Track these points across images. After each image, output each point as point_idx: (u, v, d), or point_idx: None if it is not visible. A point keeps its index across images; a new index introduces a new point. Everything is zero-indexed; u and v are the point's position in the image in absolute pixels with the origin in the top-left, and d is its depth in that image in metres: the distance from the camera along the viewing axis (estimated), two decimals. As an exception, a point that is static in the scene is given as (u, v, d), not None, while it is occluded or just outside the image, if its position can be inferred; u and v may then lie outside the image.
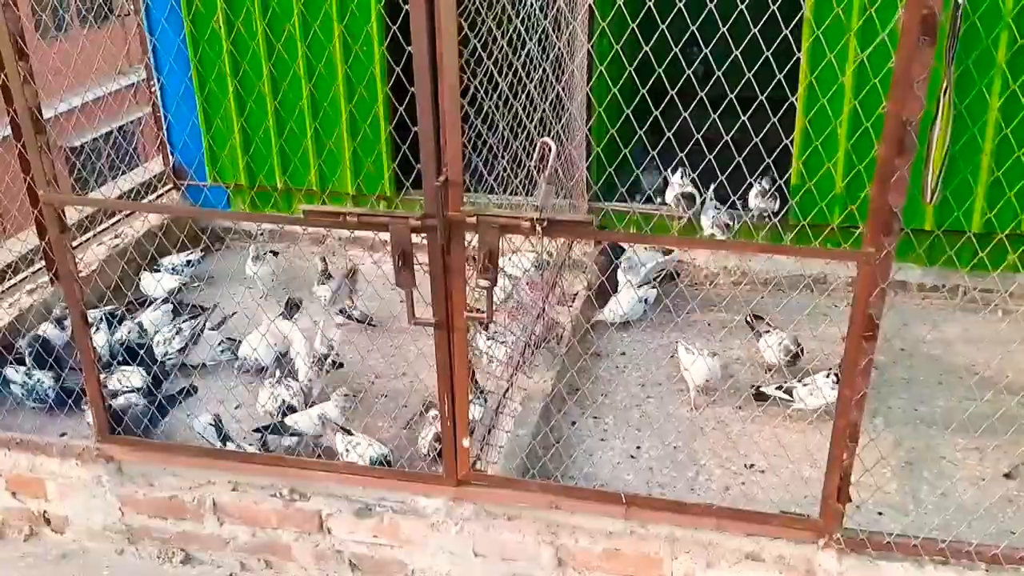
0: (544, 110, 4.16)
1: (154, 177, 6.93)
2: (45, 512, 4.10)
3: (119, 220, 6.40)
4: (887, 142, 2.81)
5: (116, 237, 6.24)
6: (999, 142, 5.21)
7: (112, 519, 4.02)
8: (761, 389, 4.62)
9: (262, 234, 6.67)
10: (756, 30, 2.83)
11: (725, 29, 2.85)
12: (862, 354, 3.11)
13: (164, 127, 6.77)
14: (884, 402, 4.77)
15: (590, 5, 5.15)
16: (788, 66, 3.20)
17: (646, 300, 4.87)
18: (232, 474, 3.92)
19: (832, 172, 5.34)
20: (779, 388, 4.55)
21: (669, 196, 5.85)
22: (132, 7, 6.50)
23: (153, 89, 6.67)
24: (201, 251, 6.00)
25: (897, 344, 5.26)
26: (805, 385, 4.53)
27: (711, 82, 3.18)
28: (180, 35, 6.22)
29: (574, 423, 4.70)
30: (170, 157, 6.84)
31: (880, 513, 4.06)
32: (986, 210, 5.43)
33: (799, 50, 3.19)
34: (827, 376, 4.45)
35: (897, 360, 5.19)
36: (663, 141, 3.42)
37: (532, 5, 3.86)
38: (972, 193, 5.38)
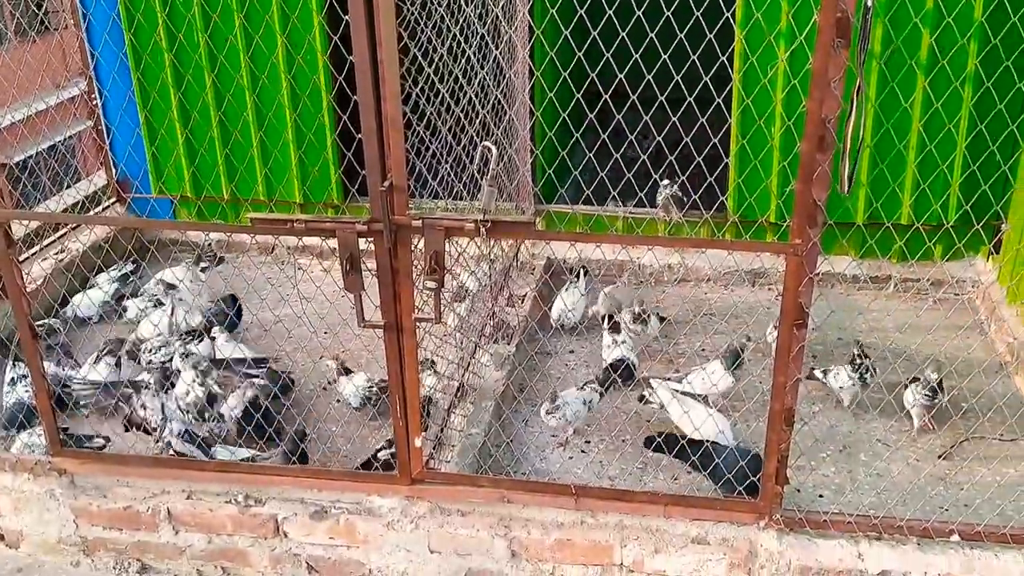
0: (484, 115, 4.26)
1: (98, 190, 6.90)
2: (-2, 528, 4.09)
3: (64, 234, 6.36)
4: (809, 139, 2.97)
5: (61, 252, 6.20)
6: (919, 138, 5.45)
7: (67, 532, 4.01)
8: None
9: (209, 245, 6.67)
10: (682, 35, 2.96)
11: (653, 35, 2.98)
12: (794, 341, 3.26)
13: (107, 140, 6.73)
14: (822, 392, 4.96)
15: (527, 13, 5.28)
16: (713, 68, 3.34)
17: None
18: (186, 482, 3.95)
19: (759, 169, 5.53)
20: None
21: (659, 199, 6.01)
22: (71, 20, 6.44)
23: (94, 102, 6.63)
24: (133, 262, 5.97)
25: (833, 334, 5.47)
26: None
27: (643, 84, 3.32)
28: (121, 46, 6.19)
29: (525, 421, 4.80)
30: (113, 170, 6.80)
31: (820, 495, 4.24)
32: (915, 204, 5.68)
33: (729, 51, 3.34)
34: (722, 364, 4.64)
35: (833, 349, 5.39)
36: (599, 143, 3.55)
37: (470, 14, 3.96)
38: (898, 186, 5.61)
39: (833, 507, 3.95)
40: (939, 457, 4.45)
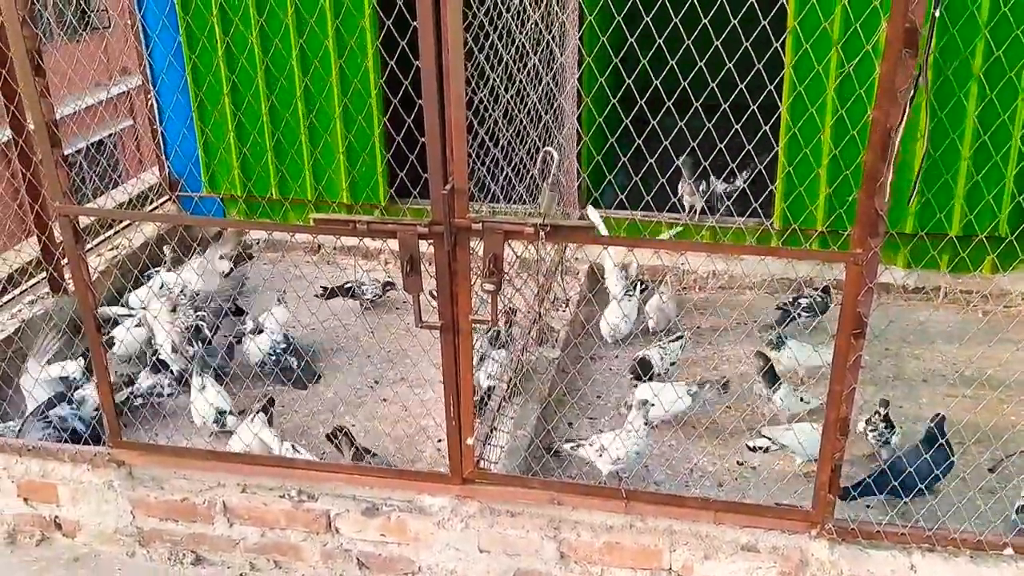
0: (548, 120, 4.30)
1: (148, 188, 7.05)
2: (57, 517, 4.18)
3: (116, 232, 6.50)
4: (872, 149, 2.97)
5: (112, 249, 6.35)
6: (977, 148, 5.41)
7: (123, 522, 4.10)
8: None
9: (258, 243, 6.78)
10: (748, 43, 2.97)
11: (718, 43, 3.00)
12: (851, 351, 3.26)
13: (160, 138, 6.87)
14: (871, 400, 4.93)
15: (582, 15, 5.31)
16: (777, 76, 3.35)
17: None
18: (241, 476, 4.02)
19: (816, 177, 5.51)
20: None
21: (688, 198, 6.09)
22: (127, 19, 6.59)
23: (149, 100, 6.77)
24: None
25: (882, 344, 5.44)
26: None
27: (706, 92, 3.33)
28: (174, 46, 6.32)
29: (571, 424, 4.83)
30: (166, 168, 6.94)
31: (868, 506, 4.21)
32: (966, 213, 5.63)
33: (784, 59, 3.34)
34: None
35: (882, 360, 5.37)
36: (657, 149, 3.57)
37: (536, 22, 3.99)
38: (952, 197, 5.57)
39: (882, 517, 3.93)
40: (989, 470, 4.41)
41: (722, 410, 4.77)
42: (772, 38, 3.19)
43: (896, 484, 3.91)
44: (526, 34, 3.95)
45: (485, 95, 3.69)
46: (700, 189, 5.92)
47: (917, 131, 3.10)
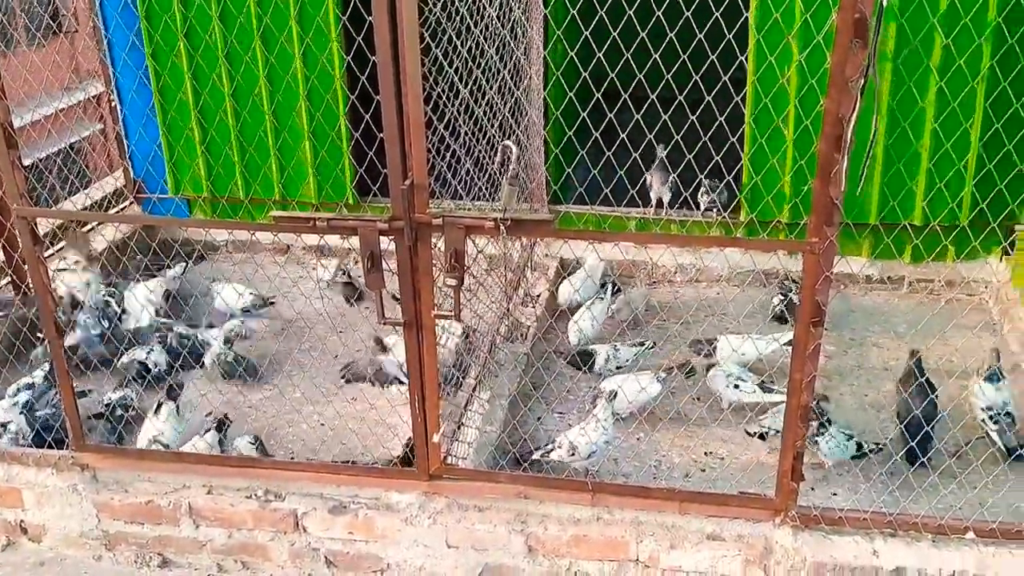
0: (505, 115, 4.31)
1: (112, 192, 6.98)
2: (22, 522, 4.14)
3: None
4: (826, 138, 3.00)
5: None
6: (936, 139, 5.47)
7: (89, 526, 4.07)
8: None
9: (226, 245, 6.74)
10: (701, 36, 2.99)
11: (673, 35, 3.02)
12: (811, 339, 3.30)
13: (125, 141, 6.81)
14: (836, 389, 4.99)
15: (545, 14, 5.32)
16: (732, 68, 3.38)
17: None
18: (206, 477, 4.00)
19: (778, 169, 5.56)
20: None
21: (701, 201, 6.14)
22: (88, 22, 6.52)
23: (113, 104, 6.70)
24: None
25: (846, 334, 5.50)
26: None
27: (661, 84, 3.35)
28: (127, 47, 6.27)
29: (539, 418, 4.84)
30: (130, 171, 6.88)
31: (834, 493, 4.26)
32: (926, 203, 5.70)
33: (744, 53, 3.38)
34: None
35: (847, 349, 5.42)
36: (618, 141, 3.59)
37: (491, 16, 4.01)
38: (912, 186, 5.64)
39: (847, 504, 3.97)
40: (952, 456, 4.46)
41: (686, 400, 4.79)
42: (725, 30, 3.21)
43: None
44: (483, 29, 3.96)
45: (444, 90, 3.69)
46: (669, 181, 5.95)
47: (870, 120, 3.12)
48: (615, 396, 4.27)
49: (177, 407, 4.53)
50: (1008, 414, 4.46)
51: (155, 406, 4.50)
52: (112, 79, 6.62)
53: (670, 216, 6.11)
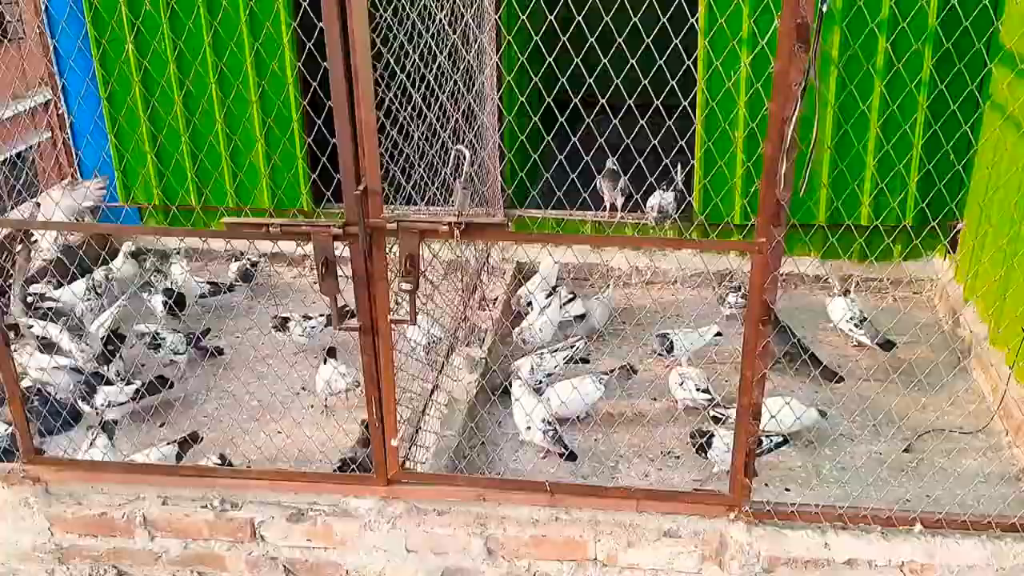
0: (457, 119, 4.33)
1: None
2: (-30, 538, 4.06)
3: (35, 241, 6.33)
4: (771, 141, 3.06)
5: (28, 260, 6.18)
6: (877, 140, 5.61)
7: (41, 540, 3.99)
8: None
9: (178, 252, 6.67)
10: (648, 41, 3.05)
11: (621, 40, 3.07)
12: (760, 337, 3.36)
13: (73, 149, 6.71)
14: (788, 387, 5.08)
15: (496, 20, 5.36)
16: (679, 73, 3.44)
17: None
18: (161, 488, 3.95)
19: (726, 172, 5.65)
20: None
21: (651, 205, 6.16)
22: (36, 29, 6.42)
23: (60, 112, 6.60)
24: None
25: (798, 333, 5.59)
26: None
27: (610, 90, 3.41)
28: (74, 51, 6.19)
29: (500, 423, 4.86)
30: (79, 180, 6.77)
31: (787, 489, 4.35)
32: (873, 204, 5.83)
33: (694, 58, 3.44)
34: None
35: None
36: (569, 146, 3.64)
37: (441, 21, 4.03)
38: (858, 187, 5.76)
39: (800, 499, 4.05)
40: (904, 451, 4.58)
41: (642, 397, 4.86)
42: (673, 35, 3.27)
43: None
44: (433, 34, 3.98)
45: (397, 94, 3.71)
46: (619, 187, 6.02)
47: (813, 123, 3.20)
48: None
49: (111, 441, 4.47)
50: (866, 319, 5.27)
51: (90, 439, 4.41)
52: (59, 86, 6.52)
53: (623, 219, 6.17)
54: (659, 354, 5.08)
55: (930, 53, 5.35)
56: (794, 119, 2.90)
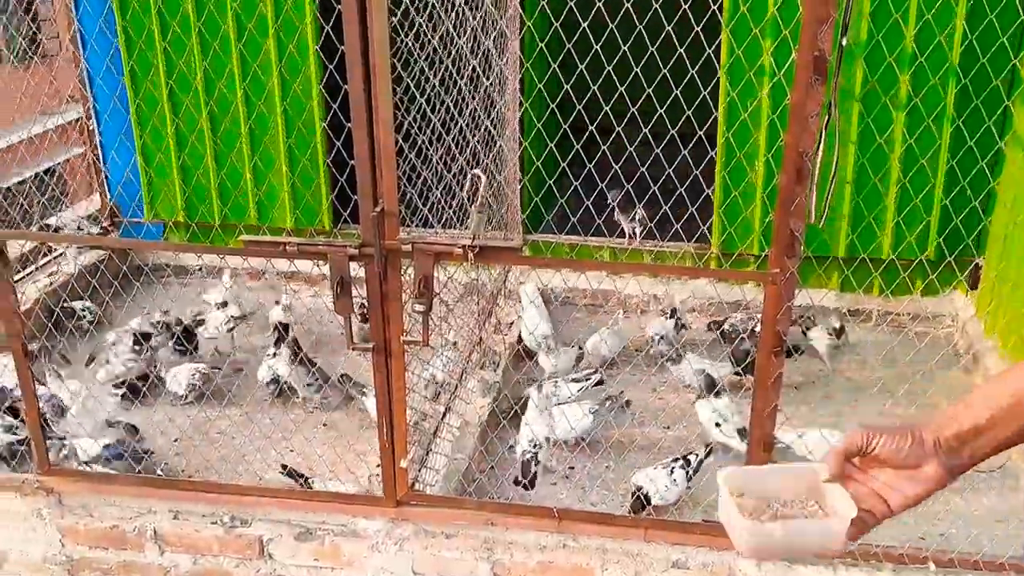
0: (475, 144, 4.37)
1: (88, 216, 6.99)
2: (-17, 547, 4.09)
3: (58, 256, 6.45)
4: (786, 171, 3.07)
5: (51, 275, 6.28)
6: (906, 174, 5.59)
7: (53, 551, 4.02)
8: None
9: (200, 269, 6.74)
10: (665, 71, 3.07)
11: (637, 70, 3.10)
12: (772, 368, 3.35)
13: (102, 165, 6.82)
14: (804, 419, 5.03)
15: (519, 42, 5.42)
16: (696, 102, 3.46)
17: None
18: (172, 502, 3.98)
19: (740, 203, 5.64)
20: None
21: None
22: (59, 47, 6.56)
23: (91, 128, 6.72)
24: None
25: (815, 365, 5.56)
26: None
27: (626, 119, 3.44)
28: (120, 72, 6.31)
29: (511, 447, 4.85)
30: (107, 195, 6.88)
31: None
32: (896, 238, 5.80)
33: (715, 86, 3.47)
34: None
35: (816, 380, 5.48)
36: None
37: (462, 45, 4.08)
38: (877, 221, 5.74)
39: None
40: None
41: (653, 425, 4.83)
42: (689, 65, 3.30)
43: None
44: (454, 60, 4.03)
45: (416, 118, 3.75)
46: (636, 216, 6.03)
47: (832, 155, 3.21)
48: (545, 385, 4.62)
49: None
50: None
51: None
52: (89, 103, 6.64)
53: (640, 246, 6.17)
54: (699, 395, 4.94)
55: (952, 86, 5.34)
56: (818, 152, 2.91)
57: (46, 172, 10.26)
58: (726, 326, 5.67)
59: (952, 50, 5.29)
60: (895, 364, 5.36)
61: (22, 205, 6.79)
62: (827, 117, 3.09)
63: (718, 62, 4.99)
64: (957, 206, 5.17)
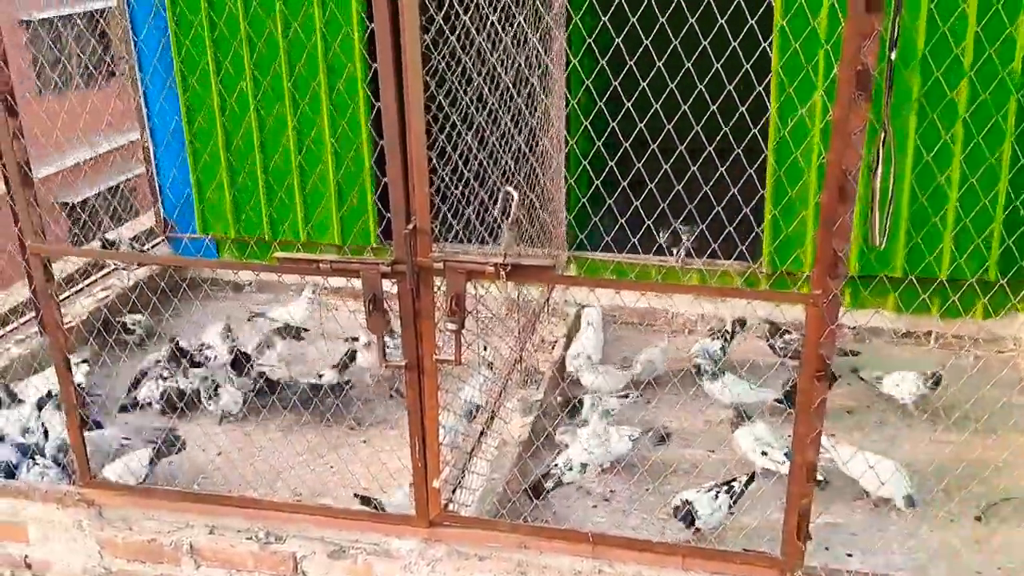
0: (507, 161, 4.33)
1: (144, 232, 7.17)
2: (26, 557, 4.15)
3: (109, 273, 6.61)
4: (829, 190, 2.95)
5: (105, 290, 6.43)
6: (964, 191, 5.39)
7: (92, 563, 4.07)
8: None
9: (250, 284, 6.84)
10: (730, 87, 3.00)
11: (703, 86, 3.03)
12: (816, 393, 3.22)
13: (157, 182, 6.99)
14: (856, 444, 4.85)
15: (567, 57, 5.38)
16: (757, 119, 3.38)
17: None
18: (209, 517, 3.99)
19: (781, 222, 5.51)
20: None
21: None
22: (127, 66, 6.76)
23: (146, 146, 6.89)
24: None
25: (872, 390, 5.37)
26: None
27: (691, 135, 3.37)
28: (163, 89, 6.48)
29: (549, 469, 4.77)
30: (161, 211, 7.04)
31: (849, 555, 4.13)
32: (955, 257, 5.58)
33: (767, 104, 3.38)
34: None
35: (871, 404, 5.29)
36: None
37: (495, 66, 4.05)
38: (940, 240, 5.54)
39: (863, 566, 3.84)
40: (976, 518, 4.32)
41: (697, 447, 4.71)
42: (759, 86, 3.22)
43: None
44: (488, 78, 4.00)
45: (451, 135, 3.73)
46: (684, 239, 5.93)
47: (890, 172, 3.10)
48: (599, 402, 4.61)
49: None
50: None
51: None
52: (147, 122, 6.82)
53: (688, 265, 6.05)
54: (735, 423, 4.83)
55: (1013, 101, 5.14)
56: (854, 169, 2.80)
57: (109, 191, 10.60)
58: (779, 342, 5.53)
59: (1017, 55, 5.10)
60: (952, 388, 5.15)
61: (86, 221, 7.00)
62: (884, 134, 2.98)
63: (768, 97, 4.89)
64: (1020, 223, 4.96)
